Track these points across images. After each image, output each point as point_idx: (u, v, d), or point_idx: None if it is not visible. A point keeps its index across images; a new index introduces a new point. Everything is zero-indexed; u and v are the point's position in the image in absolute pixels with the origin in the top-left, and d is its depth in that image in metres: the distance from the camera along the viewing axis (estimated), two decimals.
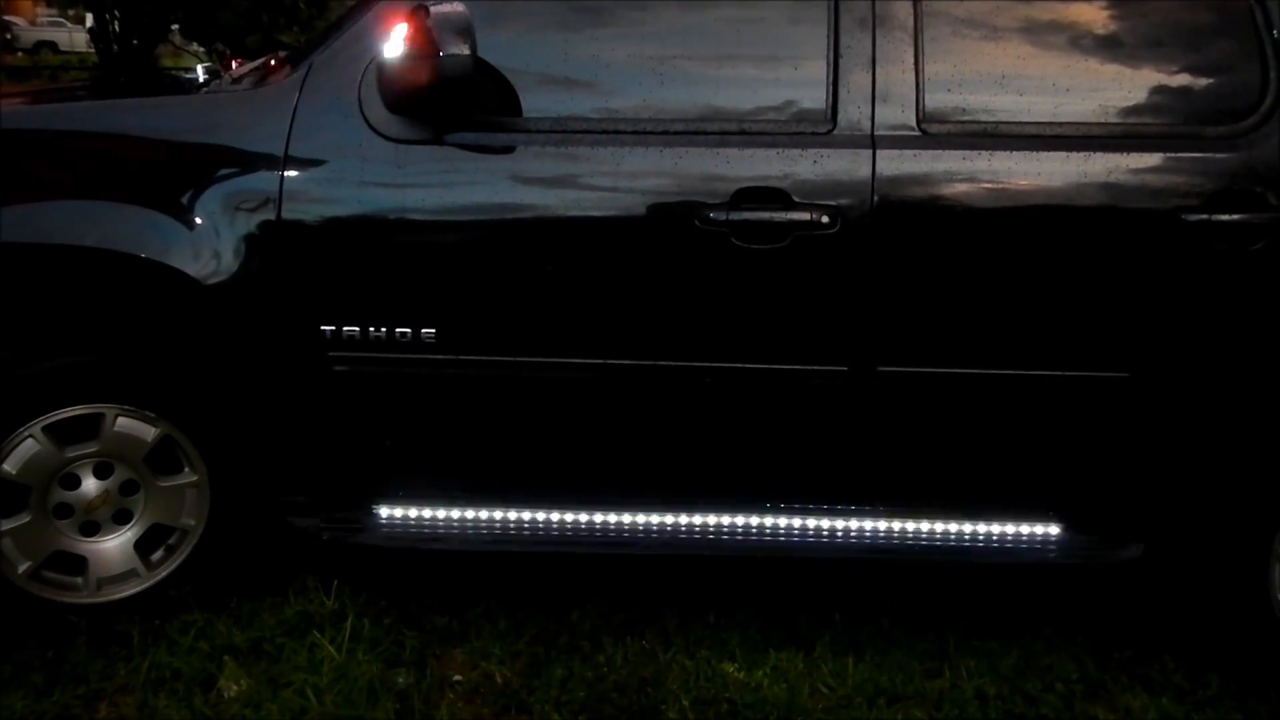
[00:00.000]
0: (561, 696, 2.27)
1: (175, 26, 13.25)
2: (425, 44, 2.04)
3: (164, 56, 14.00)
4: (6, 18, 23.11)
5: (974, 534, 2.44)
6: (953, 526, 2.43)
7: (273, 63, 2.69)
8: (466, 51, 2.04)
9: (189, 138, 2.30)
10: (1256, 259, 2.21)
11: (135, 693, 2.22)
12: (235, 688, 2.23)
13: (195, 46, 13.29)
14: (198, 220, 2.21)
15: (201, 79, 2.82)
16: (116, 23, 13.00)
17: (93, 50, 14.38)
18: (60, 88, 4.16)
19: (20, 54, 22.34)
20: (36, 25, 27.65)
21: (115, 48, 13.03)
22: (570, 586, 2.63)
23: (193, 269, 2.21)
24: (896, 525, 2.43)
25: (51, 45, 25.37)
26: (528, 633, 2.47)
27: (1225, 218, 2.21)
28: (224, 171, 2.24)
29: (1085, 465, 2.37)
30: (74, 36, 24.08)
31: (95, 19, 13.51)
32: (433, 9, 2.06)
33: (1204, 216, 2.21)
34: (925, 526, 2.43)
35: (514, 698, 2.27)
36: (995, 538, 2.44)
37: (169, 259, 2.21)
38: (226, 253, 2.22)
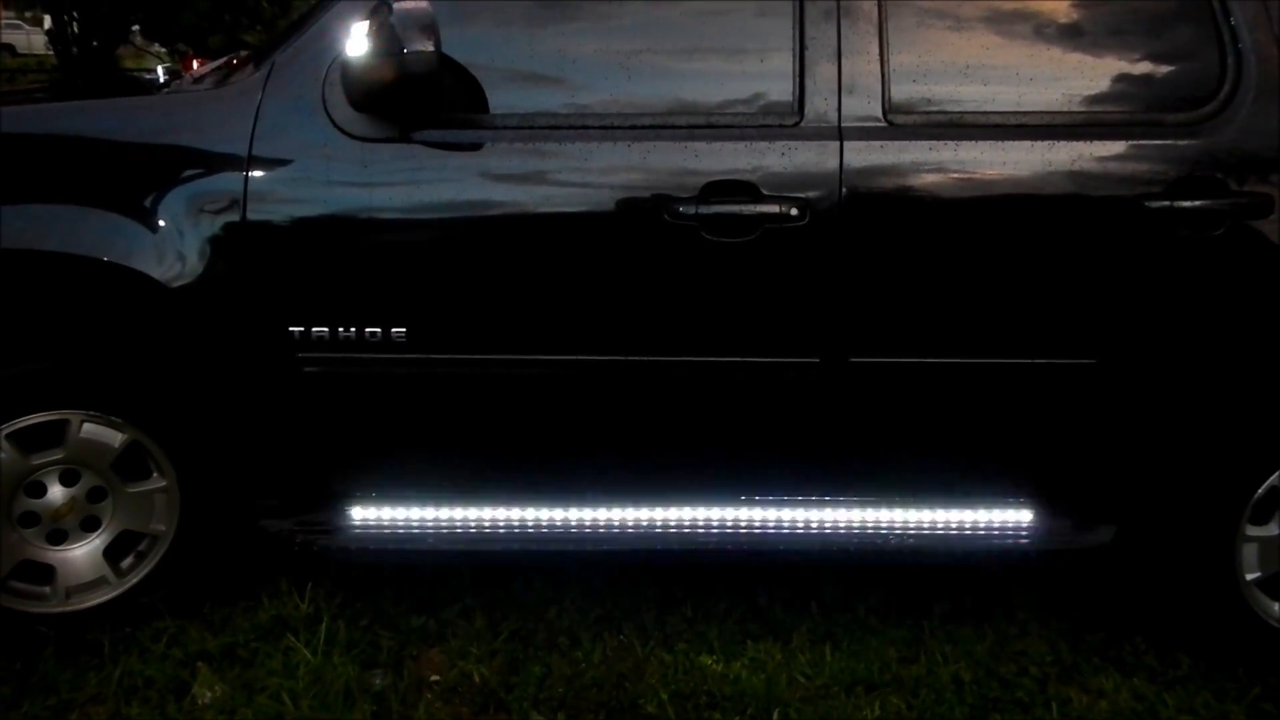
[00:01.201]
0: (540, 694, 2.27)
1: (136, 27, 13.05)
2: (388, 41, 2.02)
3: (125, 58, 13.81)
4: None
5: (948, 522, 2.46)
6: (927, 515, 2.45)
7: (234, 62, 2.66)
8: (431, 48, 2.03)
9: (150, 139, 2.26)
10: (1218, 244, 2.24)
11: (107, 702, 2.19)
12: (209, 694, 2.21)
13: (157, 47, 13.11)
14: (161, 222, 2.18)
15: (162, 79, 2.78)
16: (75, 24, 12.79)
17: (52, 53, 14.14)
18: (17, 90, 4.09)
19: None
20: None
21: (75, 50, 12.83)
22: (547, 584, 2.63)
23: (157, 272, 2.18)
24: (872, 515, 2.45)
25: (9, 48, 24.96)
26: (505, 631, 2.46)
27: (1187, 204, 2.23)
28: (187, 173, 2.21)
29: (1056, 451, 2.39)
30: (32, 39, 23.69)
31: (53, 21, 13.28)
32: (396, 6, 2.04)
33: (1166, 203, 2.23)
34: (900, 515, 2.45)
35: (492, 696, 2.26)
36: (969, 525, 2.46)
37: (132, 262, 2.18)
38: (191, 255, 2.19)
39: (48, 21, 13.88)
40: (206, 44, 10.43)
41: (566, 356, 2.27)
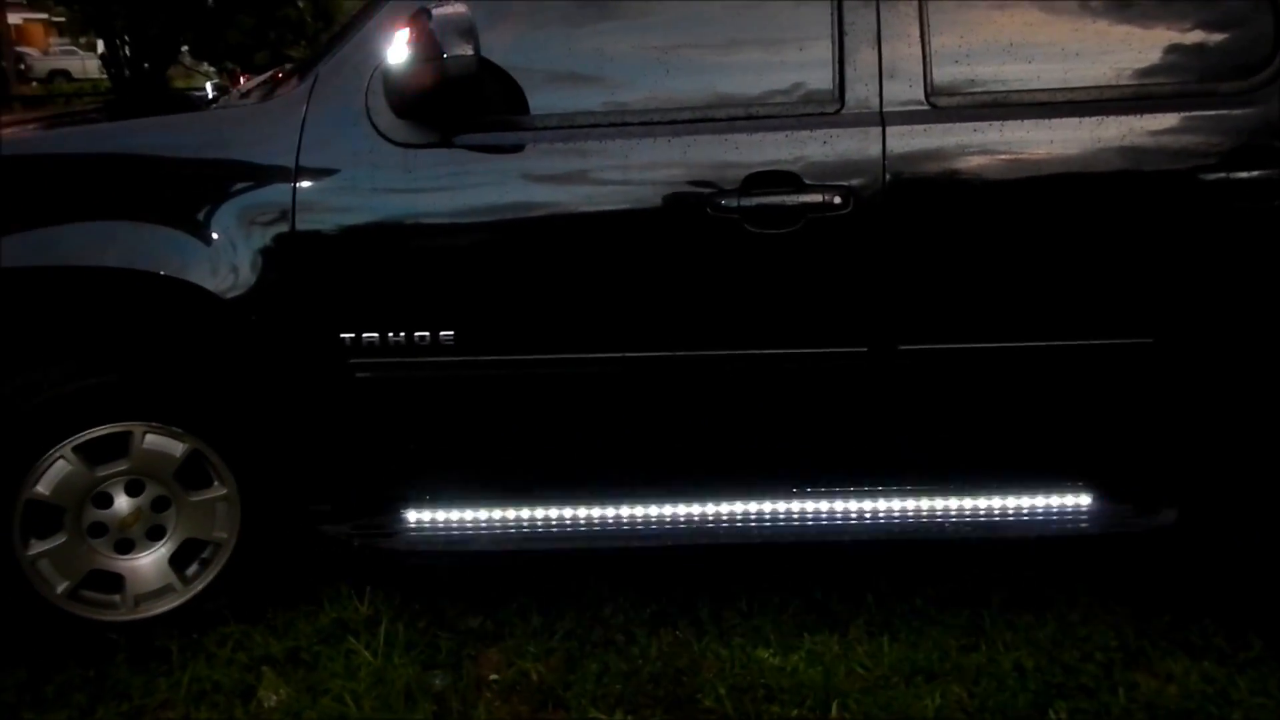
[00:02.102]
0: (597, 691, 2.28)
1: (185, 48, 13.34)
2: (428, 47, 2.04)
3: (175, 78, 14.12)
4: (19, 48, 23.38)
5: (1005, 508, 2.43)
6: (983, 502, 2.42)
7: (280, 76, 2.70)
8: (470, 52, 2.04)
9: (201, 154, 2.31)
10: (1277, 215, 2.18)
11: (177, 707, 2.24)
12: (275, 697, 2.25)
13: (205, 66, 13.38)
14: (214, 235, 2.23)
15: (210, 95, 2.83)
16: (126, 47, 13.11)
17: (105, 76, 14.50)
18: (72, 111, 4.19)
19: (35, 84, 22.58)
20: (49, 54, 27.94)
21: (127, 72, 13.15)
22: (601, 581, 2.64)
23: (211, 284, 2.22)
24: (926, 504, 2.42)
25: (65, 73, 25.64)
26: (561, 629, 2.47)
27: (1243, 175, 2.18)
28: (237, 186, 2.25)
29: (1114, 434, 2.35)
30: (86, 64, 24.28)
31: (105, 45, 13.63)
32: (434, 11, 2.06)
33: (1222, 175, 2.18)
34: (956, 503, 2.42)
35: (550, 694, 2.27)
36: (1027, 511, 2.42)
37: (188, 275, 2.22)
38: (244, 266, 2.23)
39: (100, 46, 14.24)
40: (253, 61, 10.61)
41: (614, 355, 2.27)
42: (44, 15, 25.88)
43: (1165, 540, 2.39)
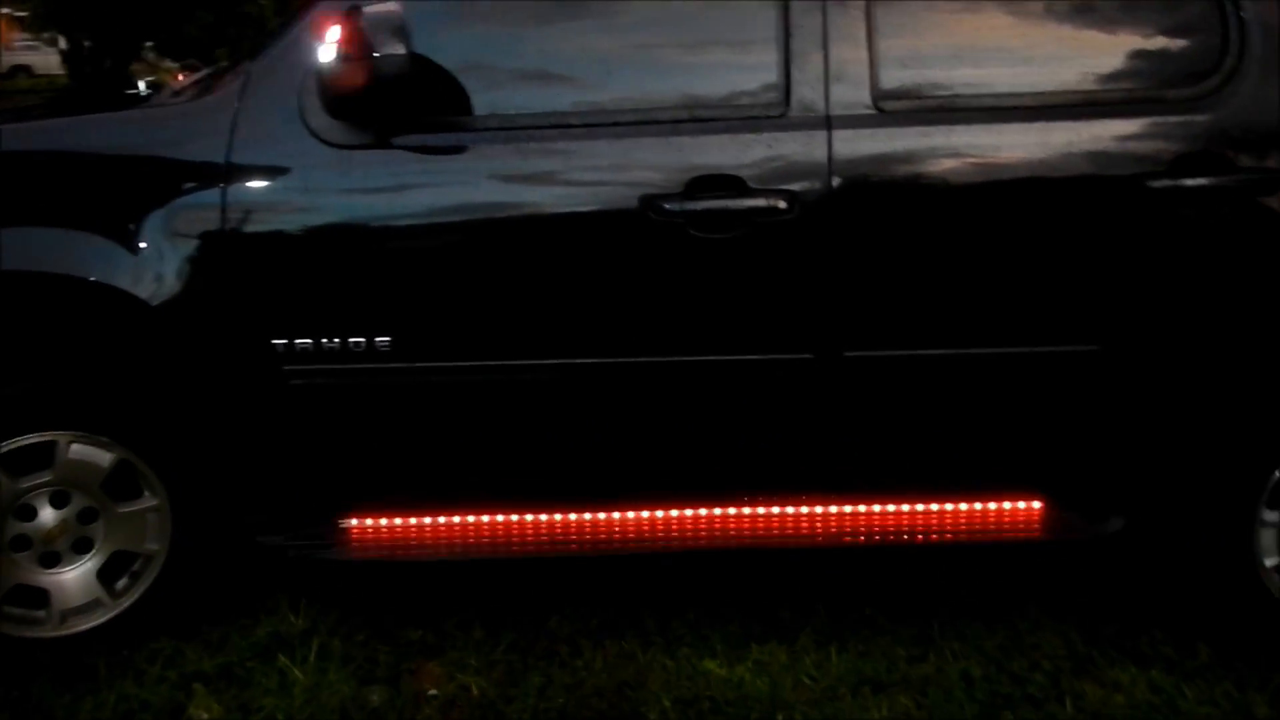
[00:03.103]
0: (540, 705, 2.23)
1: (149, 44, 13.18)
2: (360, 45, 1.99)
3: (138, 75, 13.92)
4: None
5: (954, 515, 2.40)
6: (932, 508, 2.39)
7: (215, 74, 2.63)
8: (402, 50, 1.99)
9: (128, 152, 2.23)
10: (1225, 223, 2.17)
11: None
12: (205, 716, 2.18)
13: (169, 63, 13.20)
14: (139, 238, 2.15)
15: (144, 93, 2.76)
16: (88, 43, 12.93)
17: (65, 72, 14.29)
18: (12, 108, 4.08)
19: None
20: (12, 50, 27.50)
21: (88, 69, 12.96)
22: (547, 592, 2.58)
23: (137, 289, 2.15)
24: (875, 510, 2.39)
25: (26, 69, 25.24)
26: (505, 641, 2.42)
27: (1191, 182, 2.17)
28: (165, 187, 2.18)
29: (1063, 441, 2.33)
30: (49, 60, 23.94)
31: (67, 41, 13.43)
32: (365, 10, 2.01)
33: (1169, 182, 2.16)
34: (904, 510, 2.39)
35: (491, 709, 2.22)
36: (976, 518, 2.40)
37: (113, 280, 2.14)
38: (171, 270, 2.16)
39: (63, 41, 14.03)
40: (213, 57, 10.47)
41: (553, 360, 2.22)
42: (7, 10, 25.49)
43: (1113, 548, 2.37)
